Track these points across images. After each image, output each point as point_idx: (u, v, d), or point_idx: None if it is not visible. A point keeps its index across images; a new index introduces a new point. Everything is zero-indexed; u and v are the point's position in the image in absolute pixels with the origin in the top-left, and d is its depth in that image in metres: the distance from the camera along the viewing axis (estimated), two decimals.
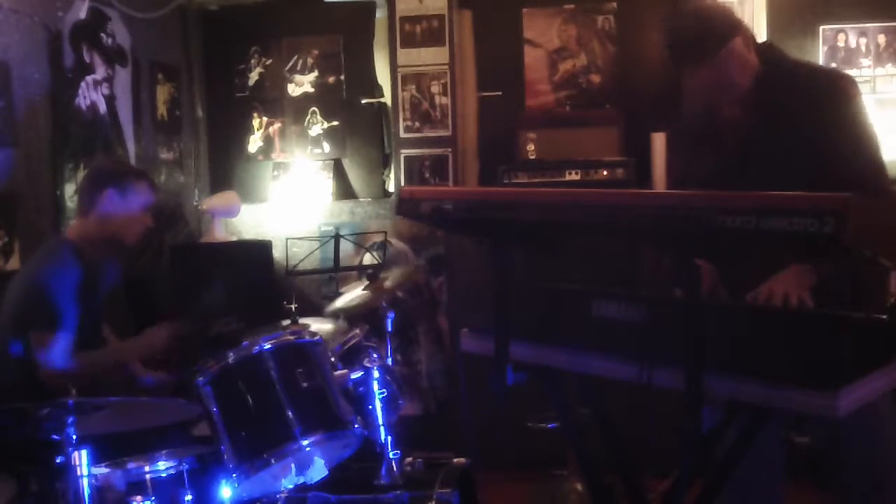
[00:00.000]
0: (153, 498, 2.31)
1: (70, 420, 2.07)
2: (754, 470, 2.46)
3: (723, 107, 2.40)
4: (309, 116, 5.00)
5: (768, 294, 2.09)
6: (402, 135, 4.59)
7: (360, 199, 4.93)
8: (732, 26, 2.27)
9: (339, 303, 3.35)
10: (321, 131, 5.00)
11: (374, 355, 2.74)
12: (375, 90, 4.86)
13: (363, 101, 4.93)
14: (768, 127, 2.32)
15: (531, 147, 4.42)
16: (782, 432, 2.64)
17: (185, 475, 2.36)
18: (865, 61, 4.28)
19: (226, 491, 2.35)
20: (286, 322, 2.90)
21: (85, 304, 2.84)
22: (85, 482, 2.08)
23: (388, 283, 3.23)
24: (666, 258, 1.85)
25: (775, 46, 2.48)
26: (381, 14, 4.74)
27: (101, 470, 2.28)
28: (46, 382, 2.71)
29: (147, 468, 2.34)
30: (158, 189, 3.42)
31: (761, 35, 4.30)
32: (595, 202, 1.71)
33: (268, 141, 5.06)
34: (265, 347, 2.44)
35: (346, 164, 5.00)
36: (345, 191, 4.97)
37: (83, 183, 3.06)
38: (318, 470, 2.51)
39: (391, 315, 3.16)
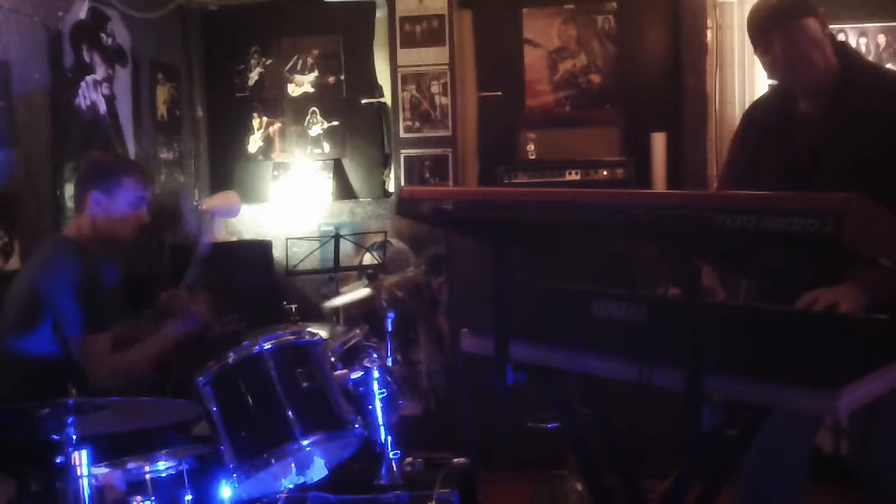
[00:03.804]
0: (153, 498, 2.31)
1: (70, 420, 2.07)
2: (778, 475, 2.48)
3: (799, 100, 2.40)
4: (309, 116, 5.00)
5: (813, 298, 2.06)
6: (402, 135, 4.59)
7: (360, 199, 4.93)
8: (813, 7, 2.34)
9: (339, 301, 3.35)
10: (321, 131, 5.00)
11: (374, 355, 2.74)
12: (375, 90, 4.86)
13: (363, 101, 4.93)
14: (845, 129, 2.31)
15: (531, 147, 4.42)
16: (810, 439, 2.64)
17: (185, 475, 2.36)
18: None
19: (226, 491, 2.35)
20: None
21: (89, 303, 2.83)
22: (85, 482, 2.07)
23: (388, 283, 3.23)
24: (666, 258, 1.85)
25: (850, 46, 2.49)
26: (381, 14, 4.73)
27: (101, 470, 2.28)
28: (93, 384, 2.71)
29: (147, 468, 2.34)
30: (153, 179, 3.37)
31: None
32: (595, 202, 1.71)
33: (268, 141, 5.06)
34: (265, 347, 2.44)
35: (346, 164, 5.00)
36: (345, 191, 4.97)
37: (76, 180, 3.05)
38: (318, 470, 2.51)
39: (391, 315, 3.16)
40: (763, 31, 2.35)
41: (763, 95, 2.70)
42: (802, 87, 2.40)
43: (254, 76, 5.05)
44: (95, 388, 2.67)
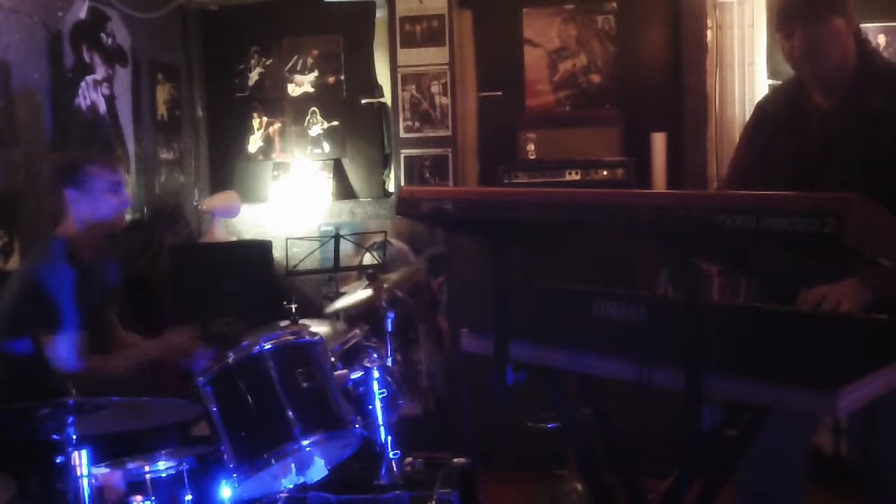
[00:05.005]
0: (153, 498, 2.31)
1: (70, 420, 2.07)
2: (777, 475, 2.48)
3: (814, 93, 2.39)
4: (309, 116, 5.00)
5: (820, 298, 2.06)
6: (402, 135, 4.59)
7: (360, 199, 4.93)
8: (843, 5, 2.29)
9: (340, 303, 3.35)
10: (321, 131, 5.00)
11: (374, 355, 2.74)
12: (375, 90, 4.86)
13: (363, 101, 4.93)
14: (859, 125, 2.30)
15: (531, 147, 4.42)
16: (808, 440, 2.64)
17: (185, 475, 2.36)
18: None
19: (226, 491, 2.35)
20: (285, 322, 2.90)
21: (83, 304, 2.83)
22: (85, 482, 2.08)
23: (388, 284, 3.23)
24: (666, 258, 1.85)
25: (870, 43, 2.47)
26: (381, 14, 4.74)
27: (101, 470, 2.28)
28: (55, 383, 2.70)
29: (147, 468, 2.34)
30: (121, 161, 3.37)
31: (761, 35, 4.31)
32: (595, 202, 1.71)
33: (268, 141, 5.06)
34: (265, 347, 2.44)
35: (346, 164, 5.00)
36: (345, 191, 4.97)
37: (46, 187, 3.02)
38: (318, 470, 2.50)
39: (391, 315, 3.16)
40: (788, 19, 2.33)
41: (774, 89, 2.68)
42: (816, 80, 2.39)
43: (254, 76, 5.05)
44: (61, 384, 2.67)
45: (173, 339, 3.03)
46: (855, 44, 2.33)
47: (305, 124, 5.01)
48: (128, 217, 3.15)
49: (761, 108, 2.63)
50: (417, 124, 4.56)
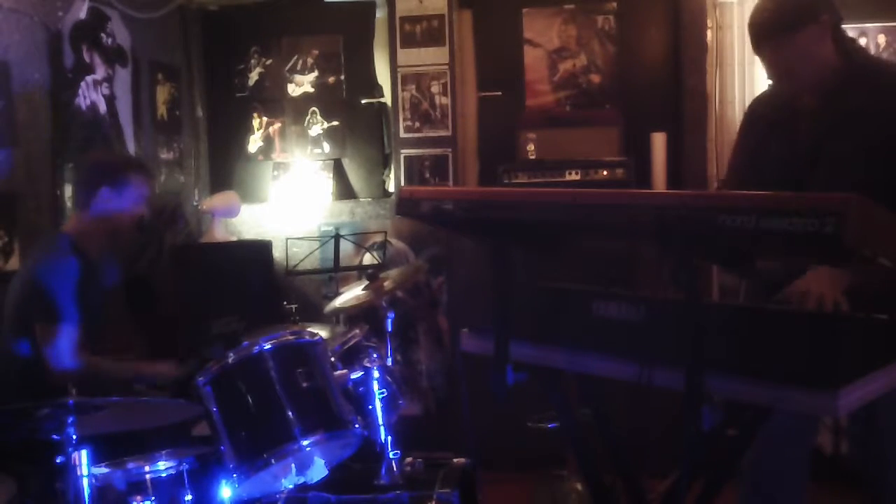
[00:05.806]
0: (153, 498, 2.31)
1: (70, 420, 2.07)
2: (779, 475, 2.48)
3: (799, 96, 2.41)
4: (309, 116, 5.00)
5: (802, 295, 2.07)
6: (402, 135, 4.59)
7: (360, 199, 4.93)
8: (806, 15, 2.26)
9: (338, 302, 3.35)
10: (321, 131, 5.00)
11: (374, 355, 2.75)
12: (375, 90, 4.86)
13: (363, 101, 4.93)
14: (844, 123, 2.30)
15: (531, 147, 4.42)
16: (812, 436, 2.65)
17: (185, 475, 2.36)
18: None
19: (226, 491, 2.35)
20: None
21: (85, 300, 2.84)
22: (85, 482, 2.08)
23: (388, 284, 3.23)
24: (666, 258, 1.85)
25: (856, 41, 2.48)
26: (381, 14, 4.74)
27: (101, 470, 2.28)
28: (50, 379, 2.70)
29: (147, 468, 2.34)
30: (153, 177, 3.43)
31: None
32: (595, 202, 1.71)
33: (268, 141, 5.06)
34: (265, 347, 2.44)
35: (346, 164, 5.00)
36: (345, 191, 4.97)
37: (79, 179, 3.05)
38: (318, 470, 2.51)
39: (391, 315, 3.16)
40: (755, 44, 2.36)
41: (766, 91, 2.70)
42: (792, 91, 2.41)
43: (254, 76, 5.05)
44: (55, 382, 2.68)
45: (157, 369, 3.05)
46: (836, 47, 2.31)
47: (305, 124, 5.01)
48: None
49: (752, 110, 2.65)
50: (417, 124, 4.56)
